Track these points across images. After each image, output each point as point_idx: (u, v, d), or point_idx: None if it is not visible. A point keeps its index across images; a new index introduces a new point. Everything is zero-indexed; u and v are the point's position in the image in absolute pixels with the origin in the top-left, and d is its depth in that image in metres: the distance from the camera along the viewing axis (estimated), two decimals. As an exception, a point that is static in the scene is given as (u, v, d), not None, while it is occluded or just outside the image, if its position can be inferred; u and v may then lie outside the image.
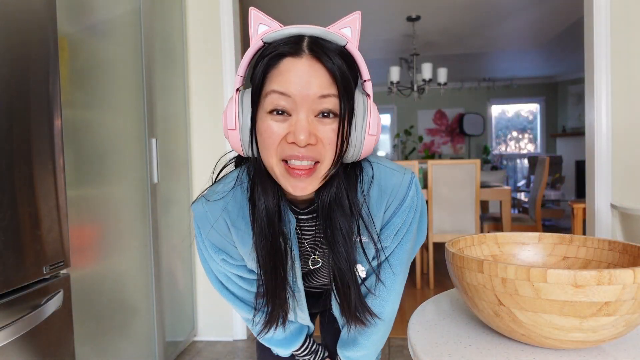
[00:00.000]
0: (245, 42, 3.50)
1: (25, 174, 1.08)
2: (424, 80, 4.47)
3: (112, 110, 1.75)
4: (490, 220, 3.93)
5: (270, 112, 0.64)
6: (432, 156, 7.44)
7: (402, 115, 8.66)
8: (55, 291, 1.17)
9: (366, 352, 0.86)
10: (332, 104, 0.64)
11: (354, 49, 0.66)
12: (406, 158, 6.95)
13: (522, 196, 6.02)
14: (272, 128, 0.64)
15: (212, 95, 2.56)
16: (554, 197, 5.96)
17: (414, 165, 3.40)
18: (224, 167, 0.83)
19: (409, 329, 0.75)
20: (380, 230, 0.79)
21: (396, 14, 4.41)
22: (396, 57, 6.15)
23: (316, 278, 0.89)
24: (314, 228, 0.79)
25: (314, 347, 0.96)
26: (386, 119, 8.87)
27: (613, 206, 1.89)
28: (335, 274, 0.74)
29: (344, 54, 0.65)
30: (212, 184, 0.81)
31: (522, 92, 8.41)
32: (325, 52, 0.63)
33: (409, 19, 4.53)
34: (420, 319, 0.79)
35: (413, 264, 4.32)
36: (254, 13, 0.65)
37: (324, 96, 0.63)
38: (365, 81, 0.69)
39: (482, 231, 3.93)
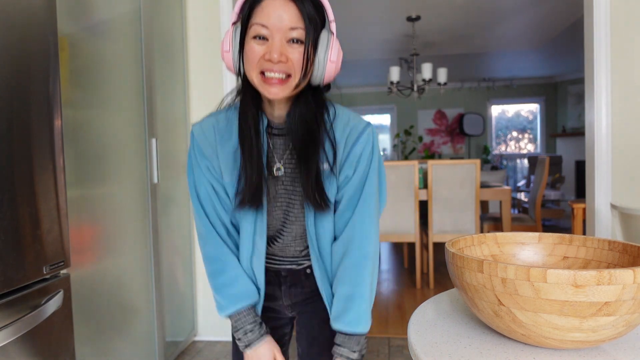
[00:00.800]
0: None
1: (25, 174, 1.08)
2: (424, 80, 4.47)
3: (112, 110, 1.75)
4: (490, 220, 3.93)
5: (254, 37, 0.84)
6: (432, 156, 7.45)
7: (402, 115, 8.66)
8: (55, 291, 1.17)
9: (361, 301, 0.93)
10: (299, 34, 0.83)
11: None
12: (406, 158, 6.95)
13: (522, 196, 6.02)
14: (254, 49, 0.84)
15: (212, 95, 2.56)
16: (553, 197, 5.96)
17: (414, 165, 3.40)
18: (221, 101, 1.02)
19: (409, 329, 0.75)
20: (344, 161, 0.94)
21: (396, 14, 4.42)
22: (396, 57, 6.15)
23: (279, 215, 0.98)
24: (283, 144, 0.96)
25: (257, 318, 0.97)
26: (386, 119, 8.87)
27: (613, 206, 1.89)
28: (302, 173, 0.90)
29: (315, 1, 0.85)
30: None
31: (522, 92, 8.41)
32: None
33: (409, 19, 4.53)
34: (420, 319, 0.79)
35: (413, 264, 4.32)
36: None
37: (293, 28, 0.83)
38: (331, 22, 0.88)
39: (482, 231, 3.93)
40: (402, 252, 4.80)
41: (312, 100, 0.91)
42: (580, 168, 7.49)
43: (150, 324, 2.01)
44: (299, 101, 0.91)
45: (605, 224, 2.30)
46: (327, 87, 0.96)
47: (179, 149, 2.43)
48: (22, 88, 1.07)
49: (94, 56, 1.63)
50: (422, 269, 4.04)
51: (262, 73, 0.85)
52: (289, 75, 0.85)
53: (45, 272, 1.14)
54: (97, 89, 1.65)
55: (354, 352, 0.93)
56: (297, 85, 0.86)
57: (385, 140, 8.96)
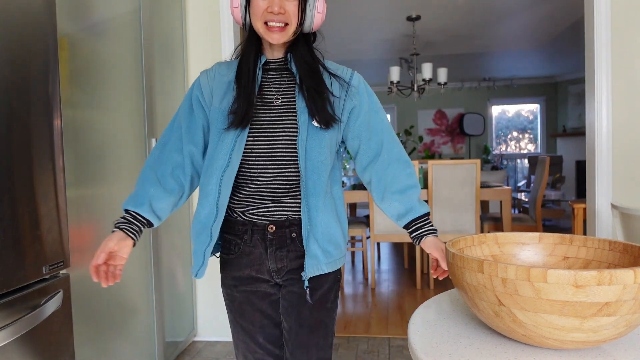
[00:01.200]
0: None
1: (25, 174, 1.08)
2: (424, 80, 4.47)
3: (112, 110, 1.75)
4: (490, 220, 3.93)
5: None
6: (432, 156, 7.44)
7: (402, 115, 8.66)
8: (55, 291, 1.17)
9: (417, 190, 1.13)
10: None
11: None
12: (406, 158, 6.95)
13: (522, 196, 6.01)
14: (259, 4, 1.03)
15: (212, 95, 2.56)
16: (554, 197, 5.96)
17: (414, 165, 3.40)
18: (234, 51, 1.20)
19: (409, 329, 0.75)
20: (345, 93, 1.11)
21: (396, 14, 4.41)
22: (396, 57, 6.15)
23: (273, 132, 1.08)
24: (278, 78, 1.12)
25: (133, 225, 1.05)
26: (386, 119, 8.86)
27: (613, 206, 1.89)
28: (313, 98, 1.06)
29: None
30: None
31: (522, 92, 8.41)
32: None
33: (409, 19, 4.53)
34: (421, 319, 0.79)
35: (413, 264, 4.32)
36: None
37: None
38: None
39: (482, 231, 3.93)
40: (402, 253, 4.80)
41: (305, 44, 1.11)
42: (581, 168, 7.49)
43: (150, 324, 2.01)
44: (296, 45, 1.10)
45: (606, 224, 2.30)
46: (314, 36, 1.14)
47: (179, 149, 2.43)
48: (22, 88, 1.07)
49: (93, 56, 1.63)
50: (423, 269, 4.04)
51: (266, 23, 1.03)
52: (286, 24, 1.04)
53: (44, 272, 1.14)
54: (97, 89, 1.64)
55: (433, 227, 1.10)
56: (294, 33, 1.06)
57: (385, 140, 8.94)
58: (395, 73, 4.49)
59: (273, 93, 1.10)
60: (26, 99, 1.09)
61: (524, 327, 0.62)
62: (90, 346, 1.54)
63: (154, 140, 2.03)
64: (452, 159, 8.06)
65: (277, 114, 1.08)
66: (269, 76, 1.12)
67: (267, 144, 1.06)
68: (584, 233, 3.33)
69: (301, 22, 1.06)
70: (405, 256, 4.28)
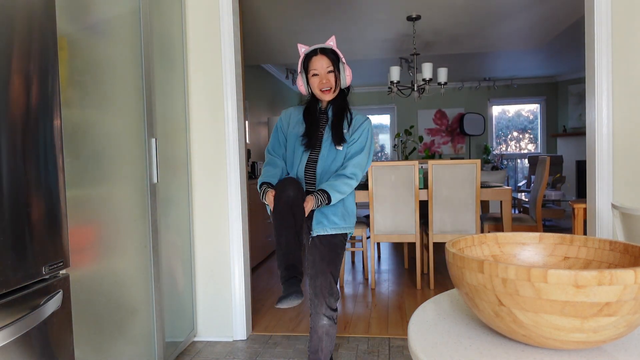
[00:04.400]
0: (244, 42, 3.49)
1: (25, 174, 1.07)
2: (424, 80, 4.47)
3: (111, 110, 1.74)
4: (490, 221, 3.93)
5: (312, 75, 1.82)
6: (432, 156, 7.44)
7: (402, 115, 8.66)
8: (54, 291, 1.17)
9: (336, 186, 1.78)
10: (332, 68, 1.81)
11: (335, 48, 1.84)
12: (406, 158, 6.94)
13: (522, 196, 6.01)
14: (315, 80, 1.81)
15: (212, 95, 2.56)
16: (554, 197, 5.95)
17: (414, 165, 3.40)
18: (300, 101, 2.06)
19: (409, 329, 0.75)
20: (353, 132, 1.85)
21: (396, 14, 4.41)
22: (396, 57, 6.15)
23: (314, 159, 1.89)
24: (324, 119, 1.89)
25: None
26: (386, 119, 8.87)
27: (614, 206, 1.89)
28: (336, 130, 1.84)
29: (333, 51, 1.84)
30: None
31: (522, 92, 8.40)
32: (326, 52, 1.83)
33: (409, 19, 4.53)
34: (421, 319, 0.79)
35: (413, 264, 4.32)
36: (299, 45, 1.88)
37: (328, 67, 1.81)
38: (342, 57, 1.85)
39: (482, 231, 3.93)
40: (403, 253, 4.80)
41: (341, 99, 1.88)
42: (581, 168, 7.48)
43: (149, 324, 2.01)
44: (336, 100, 1.87)
45: (606, 224, 2.29)
46: (348, 90, 1.92)
47: (179, 149, 2.43)
48: (22, 88, 1.07)
49: (93, 56, 1.62)
50: (423, 269, 4.04)
51: (320, 89, 1.81)
52: (331, 88, 1.81)
53: (44, 273, 1.14)
54: (97, 89, 1.64)
55: (318, 194, 1.74)
56: (335, 91, 1.83)
57: (385, 140, 8.95)
58: (395, 73, 4.49)
59: (323, 124, 1.89)
60: (26, 99, 1.09)
61: (525, 327, 0.62)
62: (90, 346, 1.54)
63: (153, 140, 2.03)
64: (452, 159, 8.05)
65: (320, 142, 1.87)
66: (320, 117, 1.90)
67: (315, 160, 1.87)
68: (585, 233, 3.32)
69: (337, 84, 1.82)
70: (405, 256, 4.27)
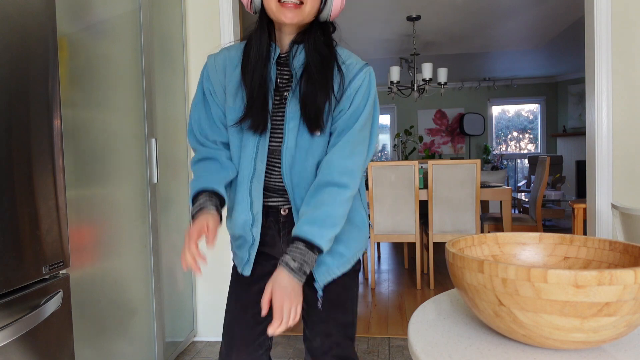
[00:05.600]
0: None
1: (25, 174, 1.07)
2: (424, 80, 4.47)
3: (112, 110, 1.74)
4: (490, 221, 3.93)
5: None
6: (432, 156, 7.43)
7: (402, 115, 8.66)
8: (54, 291, 1.17)
9: (326, 218, 0.93)
10: None
11: None
12: (406, 158, 6.95)
13: (522, 196, 6.01)
14: None
15: (212, 95, 2.55)
16: (554, 197, 5.95)
17: (414, 165, 3.40)
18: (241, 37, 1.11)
19: (409, 329, 0.75)
20: (341, 94, 0.99)
21: (396, 14, 4.41)
22: (396, 57, 6.15)
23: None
24: (287, 72, 1.02)
25: (211, 200, 0.99)
26: (386, 119, 8.87)
27: (614, 206, 1.89)
28: (311, 97, 0.96)
29: None
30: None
31: (522, 92, 8.40)
32: None
33: (409, 19, 4.53)
34: (421, 319, 0.79)
35: (413, 264, 4.32)
36: None
37: None
38: None
39: (482, 231, 3.93)
40: (402, 253, 4.80)
41: (321, 34, 1.01)
42: (581, 168, 7.48)
43: (149, 324, 2.01)
44: (310, 32, 0.99)
45: (606, 224, 2.29)
46: (333, 26, 1.05)
47: (179, 149, 2.43)
48: (21, 88, 1.07)
49: (93, 56, 1.62)
50: (423, 269, 4.04)
51: (279, 1, 0.94)
52: (302, 2, 0.94)
53: (44, 273, 1.14)
54: (97, 89, 1.64)
55: (294, 260, 0.91)
56: (309, 14, 0.96)
57: (385, 140, 8.95)
58: (395, 73, 4.49)
59: (286, 87, 1.01)
60: (26, 98, 1.09)
61: (524, 327, 0.62)
62: (90, 346, 1.54)
63: (153, 140, 2.03)
64: (452, 159, 8.06)
65: (285, 112, 1.02)
66: (281, 69, 1.03)
67: (279, 146, 1.02)
68: (584, 233, 3.32)
69: (322, 6, 0.97)
70: (405, 256, 4.27)
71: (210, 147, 1.05)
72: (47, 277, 1.16)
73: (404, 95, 5.15)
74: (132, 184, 1.88)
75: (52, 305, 1.14)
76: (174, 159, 2.34)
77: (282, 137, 1.00)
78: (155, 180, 2.04)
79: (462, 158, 8.42)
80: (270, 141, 1.01)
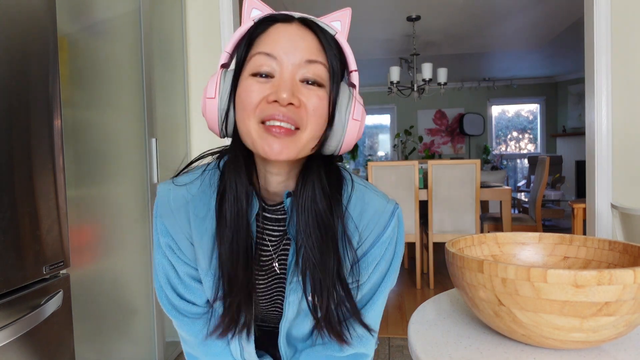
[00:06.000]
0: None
1: (25, 174, 1.08)
2: (424, 80, 4.47)
3: (112, 110, 1.75)
4: (490, 220, 3.93)
5: (253, 75, 0.61)
6: (432, 156, 7.44)
7: (402, 115, 8.66)
8: (55, 291, 1.17)
9: None
10: (319, 71, 0.62)
11: (342, 39, 0.67)
12: (406, 158, 6.95)
13: (522, 196, 6.01)
14: (253, 87, 0.60)
15: (212, 95, 2.55)
16: (554, 197, 5.96)
17: (414, 165, 3.40)
18: (198, 158, 0.77)
19: (409, 329, 0.75)
20: (357, 261, 0.70)
21: (396, 14, 4.41)
22: (396, 57, 6.15)
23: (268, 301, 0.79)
24: (280, 230, 0.72)
25: None
26: (386, 119, 8.87)
27: (613, 206, 1.89)
28: (309, 287, 0.67)
29: (335, 41, 0.67)
30: (182, 172, 0.77)
31: (522, 92, 8.40)
32: (315, 24, 0.64)
33: (409, 19, 4.53)
34: (420, 319, 0.79)
35: (413, 264, 4.32)
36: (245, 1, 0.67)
37: (311, 61, 0.61)
38: (351, 72, 0.68)
39: (482, 231, 3.93)
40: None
41: (324, 176, 0.66)
42: (581, 168, 7.48)
43: (150, 324, 2.01)
44: (308, 174, 0.66)
45: (606, 224, 2.30)
46: (340, 157, 0.72)
47: (179, 149, 2.43)
48: (22, 88, 1.07)
49: (94, 56, 1.63)
50: (422, 269, 4.04)
51: (263, 122, 0.60)
52: (297, 128, 0.61)
53: (44, 272, 1.14)
54: (97, 89, 1.64)
55: None
56: (307, 145, 0.62)
57: (385, 140, 8.95)
58: (395, 73, 4.49)
59: (269, 250, 0.73)
60: (26, 99, 1.09)
61: (524, 327, 0.62)
62: (90, 346, 1.54)
63: (154, 140, 2.03)
64: (452, 159, 8.06)
65: (276, 282, 0.76)
66: (264, 223, 0.73)
67: (269, 309, 0.80)
68: (584, 233, 3.33)
69: (331, 126, 0.63)
70: (405, 256, 4.28)
71: (191, 316, 0.77)
72: (47, 277, 1.16)
73: (403, 95, 5.15)
74: (132, 184, 1.88)
75: (53, 305, 1.14)
76: (174, 159, 2.34)
77: (279, 307, 0.77)
78: (155, 180, 2.05)
79: (462, 158, 8.42)
80: (262, 308, 0.78)
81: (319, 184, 0.66)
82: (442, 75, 4.53)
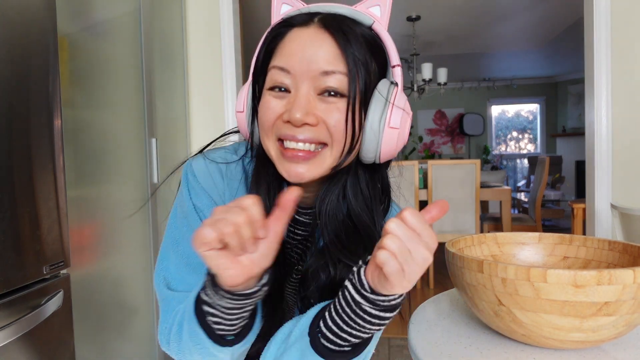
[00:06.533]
0: (245, 42, 3.50)
1: (25, 174, 1.08)
2: (424, 80, 4.47)
3: (112, 110, 1.75)
4: (490, 220, 3.93)
5: (271, 89, 0.58)
6: (432, 156, 7.44)
7: (402, 115, 8.64)
8: (55, 291, 1.17)
9: None
10: (338, 81, 0.56)
11: (381, 29, 0.59)
12: (406, 158, 6.96)
13: (522, 196, 6.01)
14: (269, 104, 0.57)
15: (212, 95, 2.56)
16: (554, 197, 5.96)
17: (414, 165, 3.40)
18: (226, 133, 0.73)
19: (409, 329, 0.75)
20: None
21: (396, 14, 4.41)
22: (396, 57, 6.14)
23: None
24: (306, 232, 0.68)
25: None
26: (386, 119, 8.87)
27: (613, 206, 1.89)
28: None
29: (369, 35, 0.58)
30: (210, 148, 0.71)
31: (522, 92, 8.41)
32: (337, 23, 0.56)
33: (409, 19, 4.53)
34: (420, 319, 0.79)
35: (413, 264, 4.31)
36: None
37: (327, 72, 0.55)
38: (394, 67, 0.61)
39: (482, 231, 3.93)
40: (402, 252, 4.79)
41: (364, 185, 0.62)
42: (581, 168, 7.48)
43: (150, 323, 2.01)
44: (340, 182, 0.61)
45: (606, 224, 2.30)
46: (387, 163, 0.67)
47: (179, 149, 2.43)
48: (22, 88, 1.07)
49: (93, 56, 1.63)
50: (422, 269, 4.03)
51: (281, 141, 0.57)
52: (323, 144, 0.57)
53: (45, 272, 1.14)
54: (97, 89, 1.65)
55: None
56: (333, 162, 0.57)
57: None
58: (395, 73, 4.48)
59: (294, 257, 0.68)
60: (26, 99, 1.09)
61: (524, 327, 0.63)
62: (90, 346, 1.54)
63: (154, 140, 2.03)
64: (452, 159, 8.06)
65: (293, 290, 0.70)
66: (296, 226, 0.67)
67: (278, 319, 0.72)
68: (584, 233, 3.33)
69: (353, 145, 0.57)
70: (405, 256, 4.27)
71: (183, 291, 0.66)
72: (47, 276, 1.16)
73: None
74: (132, 184, 1.88)
75: (53, 305, 1.14)
76: (174, 159, 2.34)
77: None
78: (155, 180, 2.05)
79: (462, 158, 8.42)
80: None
81: (354, 191, 0.61)
82: (442, 75, 4.53)
